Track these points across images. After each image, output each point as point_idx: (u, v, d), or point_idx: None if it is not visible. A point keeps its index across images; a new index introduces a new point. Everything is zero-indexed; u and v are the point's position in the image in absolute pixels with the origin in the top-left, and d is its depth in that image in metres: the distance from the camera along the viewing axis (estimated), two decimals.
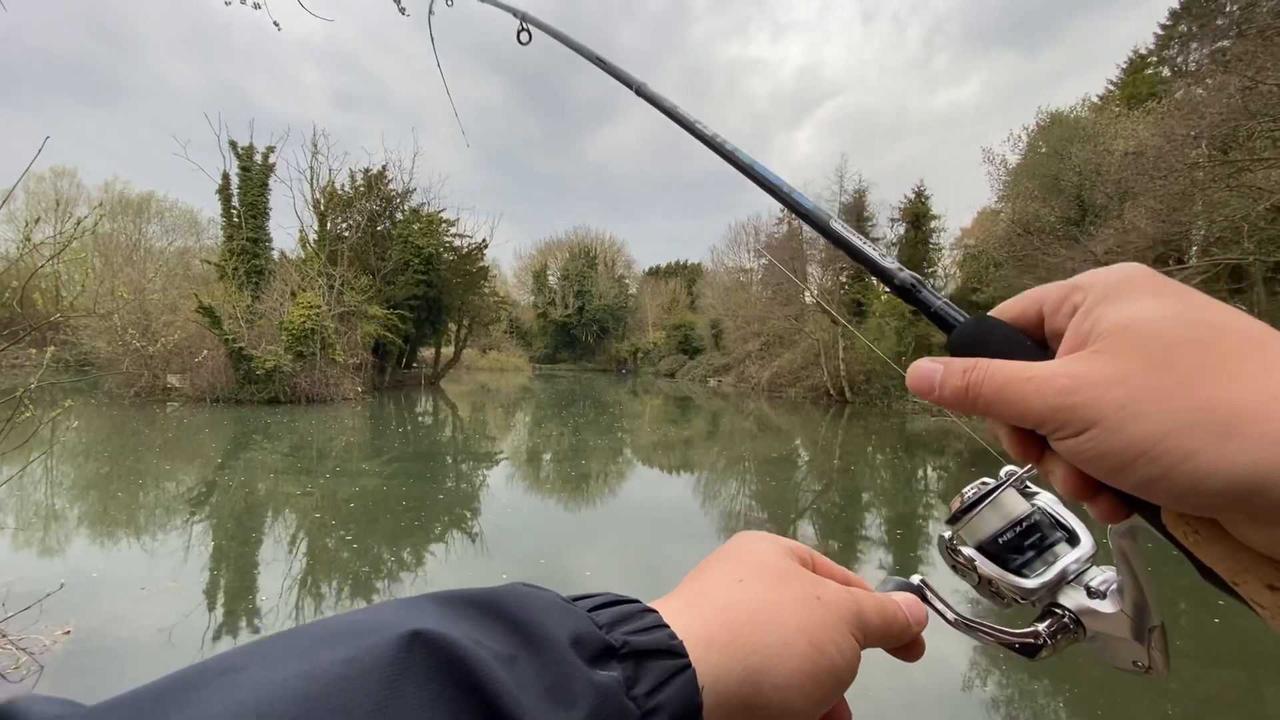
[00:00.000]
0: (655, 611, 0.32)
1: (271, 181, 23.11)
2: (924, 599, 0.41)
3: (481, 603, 0.28)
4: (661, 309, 55.56)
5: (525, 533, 7.20)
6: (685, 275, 58.76)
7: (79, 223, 3.94)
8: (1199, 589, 5.29)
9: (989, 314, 0.35)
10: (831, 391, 25.75)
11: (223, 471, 9.90)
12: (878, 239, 30.41)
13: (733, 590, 0.35)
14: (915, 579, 0.42)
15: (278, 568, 5.70)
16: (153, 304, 19.99)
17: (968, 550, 0.41)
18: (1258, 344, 0.26)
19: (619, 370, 53.92)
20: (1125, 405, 0.26)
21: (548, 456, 13.07)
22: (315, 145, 25.02)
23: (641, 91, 0.79)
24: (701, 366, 42.13)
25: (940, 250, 29.89)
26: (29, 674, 3.69)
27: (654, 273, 62.85)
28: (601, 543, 7.17)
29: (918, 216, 29.13)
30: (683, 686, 0.29)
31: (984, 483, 0.41)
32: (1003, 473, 0.42)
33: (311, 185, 24.93)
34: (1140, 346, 0.27)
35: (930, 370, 0.34)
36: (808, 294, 28.24)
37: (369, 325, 23.22)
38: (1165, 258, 17.08)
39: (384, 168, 26.87)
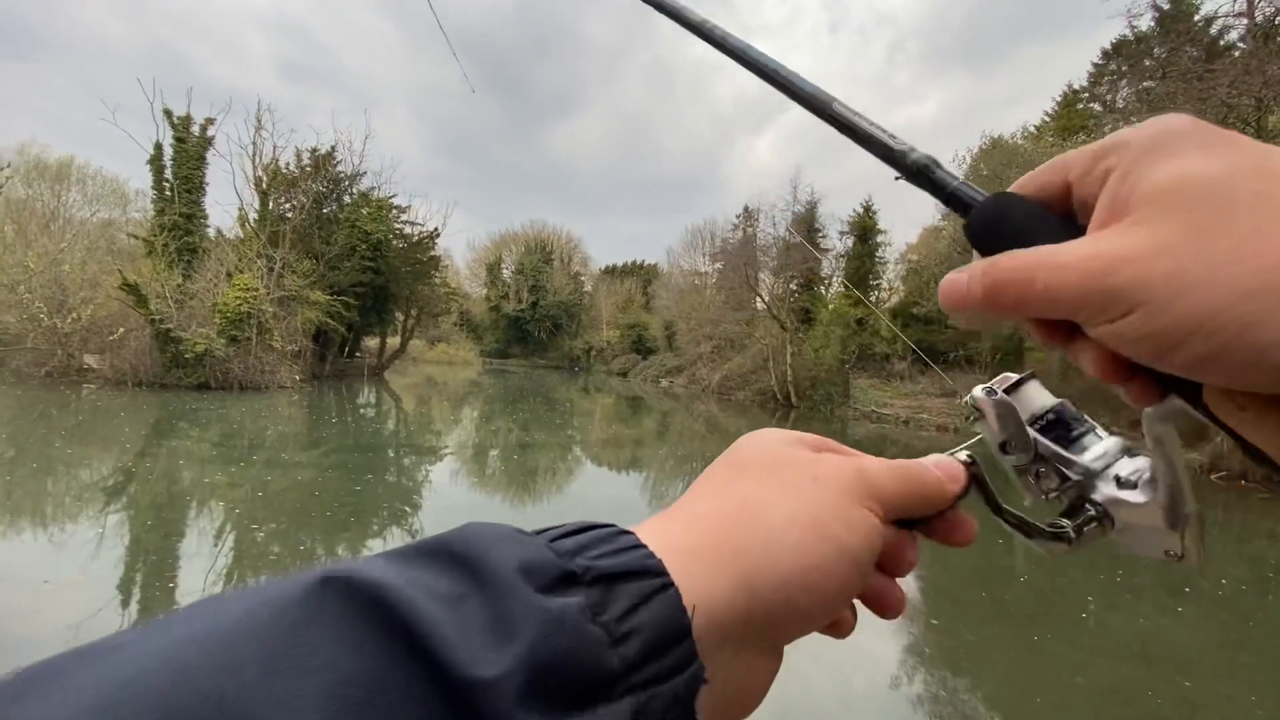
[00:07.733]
0: (631, 533, 0.28)
1: (210, 155, 21.87)
2: (975, 478, 0.37)
3: (429, 547, 0.25)
4: (616, 308, 55.51)
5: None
6: (641, 275, 58.88)
7: None
8: (1108, 590, 5.68)
9: (1009, 190, 0.32)
10: (779, 395, 26.33)
11: (143, 459, 9.30)
12: (827, 250, 31.24)
13: (716, 495, 0.32)
14: (963, 454, 0.38)
15: (200, 561, 5.40)
16: (70, 278, 18.62)
17: (1031, 429, 0.37)
18: None
19: (571, 367, 53.56)
20: (1173, 279, 0.22)
21: (494, 453, 12.86)
22: (259, 120, 23.84)
23: None
24: (654, 367, 42.32)
25: (885, 264, 31.00)
26: None
27: (610, 271, 62.69)
28: None
29: (865, 230, 30.10)
30: (663, 605, 0.25)
31: (1007, 376, 0.39)
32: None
33: (254, 162, 23.75)
34: (1188, 210, 0.23)
35: (956, 280, 0.29)
36: (759, 301, 28.78)
37: (310, 311, 22.28)
38: None
39: (333, 148, 25.85)
